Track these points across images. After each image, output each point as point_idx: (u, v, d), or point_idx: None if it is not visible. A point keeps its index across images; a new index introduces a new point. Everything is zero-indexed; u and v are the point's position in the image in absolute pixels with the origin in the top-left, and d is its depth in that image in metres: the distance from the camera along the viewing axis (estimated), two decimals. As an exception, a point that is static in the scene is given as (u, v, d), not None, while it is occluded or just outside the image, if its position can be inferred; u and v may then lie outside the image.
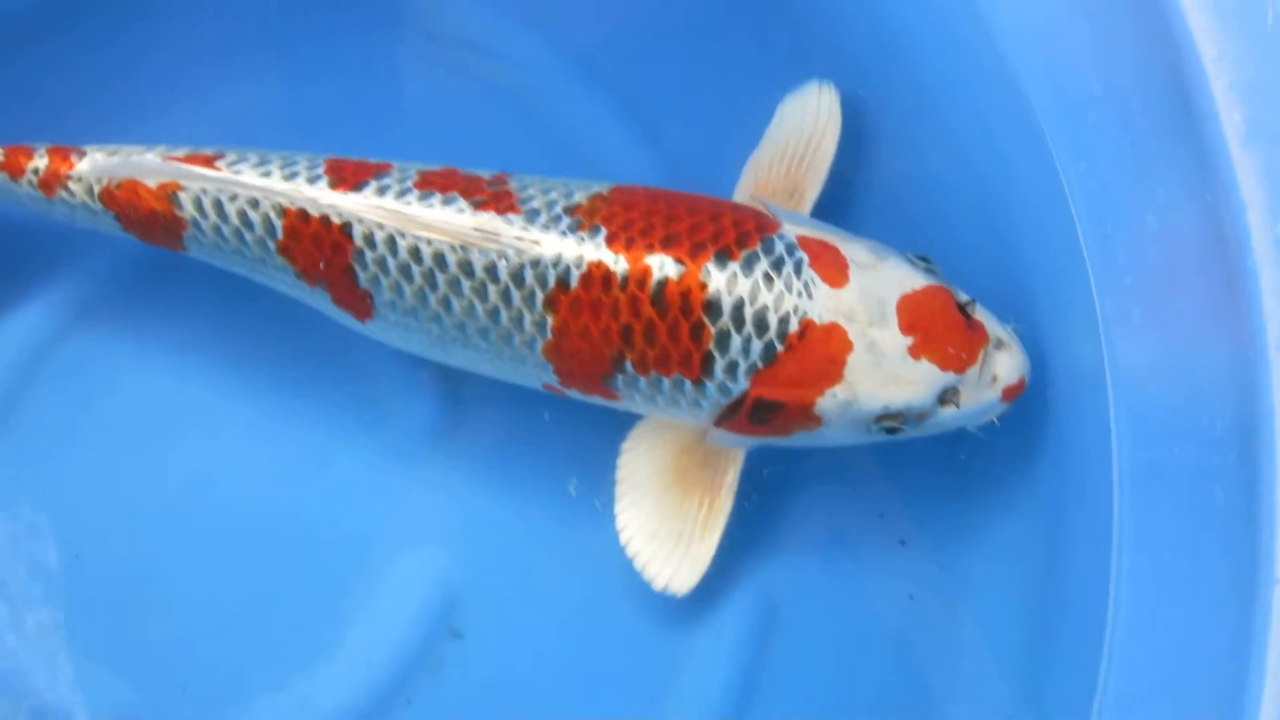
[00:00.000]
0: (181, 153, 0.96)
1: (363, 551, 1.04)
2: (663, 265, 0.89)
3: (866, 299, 0.90)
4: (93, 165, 0.96)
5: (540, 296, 0.90)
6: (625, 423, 0.98)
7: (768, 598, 1.02)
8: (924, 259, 0.93)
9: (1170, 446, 0.89)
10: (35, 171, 0.96)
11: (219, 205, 0.94)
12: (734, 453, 0.97)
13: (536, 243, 0.90)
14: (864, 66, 1.02)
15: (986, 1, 0.96)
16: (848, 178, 1.03)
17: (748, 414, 0.92)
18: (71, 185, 0.96)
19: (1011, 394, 0.92)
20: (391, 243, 0.91)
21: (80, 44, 1.07)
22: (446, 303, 0.92)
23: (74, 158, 0.96)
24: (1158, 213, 0.88)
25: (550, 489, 1.04)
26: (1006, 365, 0.92)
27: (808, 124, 1.01)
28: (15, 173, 0.96)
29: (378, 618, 1.03)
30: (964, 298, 0.93)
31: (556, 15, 1.09)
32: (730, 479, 0.97)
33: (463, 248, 0.90)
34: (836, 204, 1.03)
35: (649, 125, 1.08)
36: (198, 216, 0.94)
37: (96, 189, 0.96)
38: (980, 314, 0.93)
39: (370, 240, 0.91)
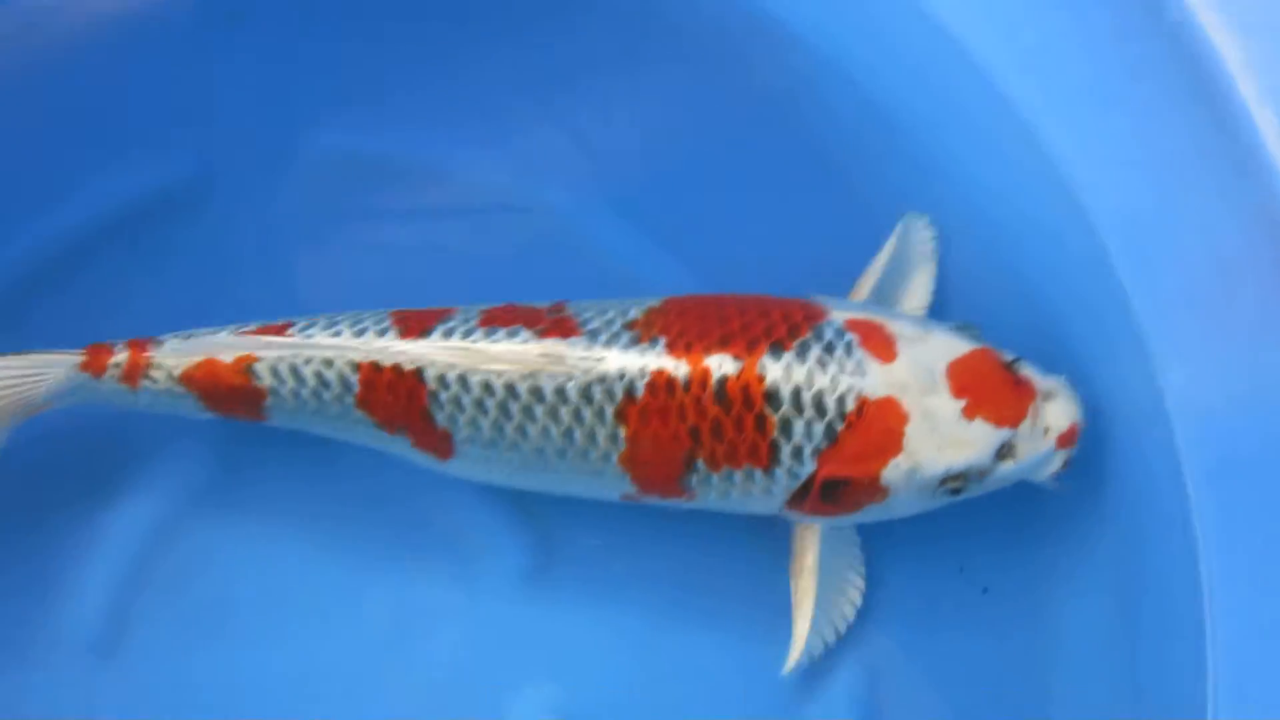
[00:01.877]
0: (253, 327, 1.01)
1: (478, 697, 1.07)
2: (721, 364, 0.94)
3: (916, 369, 0.95)
4: (171, 350, 1.00)
5: (610, 410, 0.95)
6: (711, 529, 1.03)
7: (870, 667, 1.06)
8: (968, 325, 0.99)
9: (1235, 442, 0.94)
10: (117, 366, 1.00)
11: (295, 370, 0.99)
12: (811, 536, 1.02)
13: (600, 360, 0.95)
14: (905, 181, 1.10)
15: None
16: None
17: (818, 494, 0.96)
18: (153, 373, 1.00)
19: (1066, 440, 0.97)
20: (463, 380, 0.96)
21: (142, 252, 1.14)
22: (522, 430, 0.97)
23: (151, 347, 1.01)
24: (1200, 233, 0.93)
25: (646, 604, 1.09)
26: (1057, 414, 0.97)
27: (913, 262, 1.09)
28: (98, 370, 1.00)
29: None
30: (1009, 357, 0.98)
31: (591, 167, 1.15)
32: (810, 562, 1.02)
33: (531, 375, 0.95)
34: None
35: (686, 252, 1.14)
36: (275, 384, 0.99)
37: (176, 373, 1.00)
38: (1026, 369, 0.98)
39: (443, 381, 0.97)
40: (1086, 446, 0.99)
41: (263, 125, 1.15)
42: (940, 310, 1.08)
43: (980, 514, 1.04)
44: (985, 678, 1.06)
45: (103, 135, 1.13)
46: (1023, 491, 1.00)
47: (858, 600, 1.04)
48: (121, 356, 1.00)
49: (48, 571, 1.09)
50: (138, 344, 1.01)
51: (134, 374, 1.00)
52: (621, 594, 1.09)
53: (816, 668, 1.04)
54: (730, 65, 1.13)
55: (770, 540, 1.05)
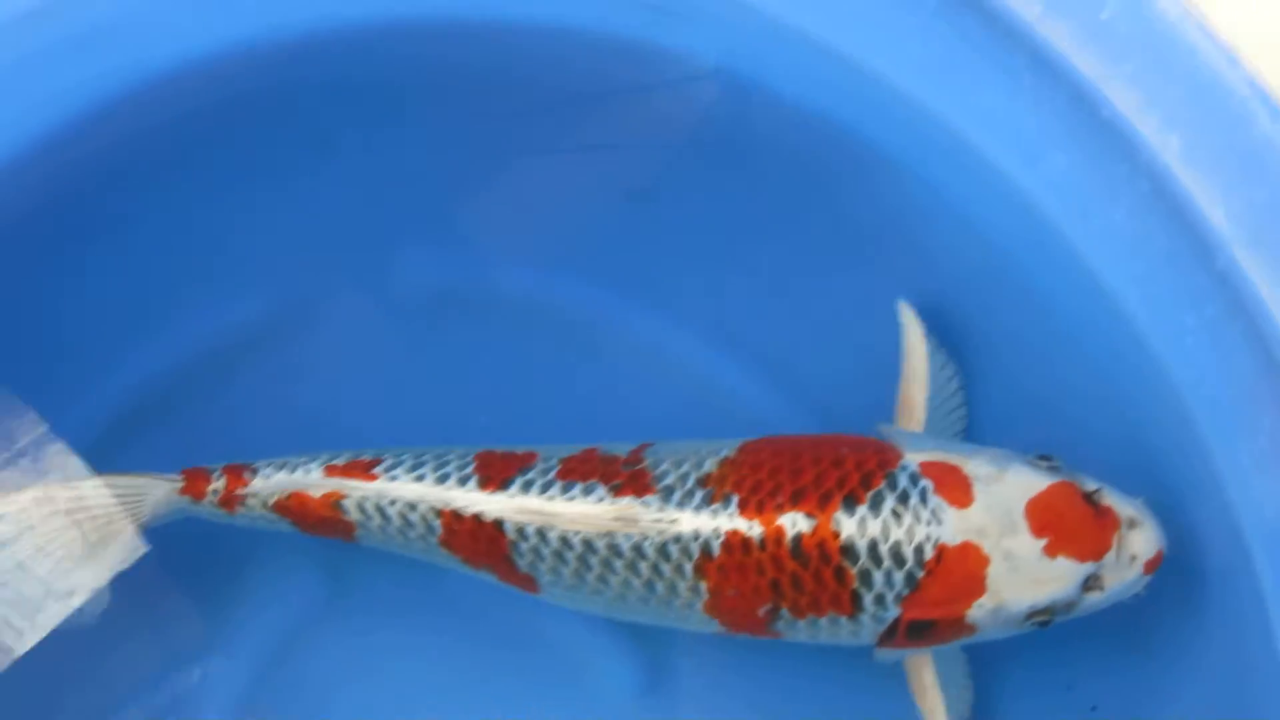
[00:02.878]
0: (343, 461, 1.03)
1: None
2: (795, 522, 0.94)
3: (994, 512, 0.94)
4: (264, 483, 1.04)
5: (688, 567, 0.96)
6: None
7: None
8: (1046, 458, 0.97)
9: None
10: (215, 493, 1.04)
11: (381, 510, 1.01)
12: (922, 656, 1.03)
13: (674, 521, 0.96)
14: (977, 287, 1.06)
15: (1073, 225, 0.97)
16: (975, 391, 1.08)
17: (905, 634, 0.97)
18: (249, 501, 1.04)
19: (1152, 566, 0.96)
20: (542, 534, 0.98)
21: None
22: (603, 579, 0.98)
23: (246, 475, 1.04)
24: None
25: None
26: (1142, 542, 0.95)
27: (904, 346, 1.06)
28: (197, 496, 1.04)
29: None
30: (1091, 486, 0.96)
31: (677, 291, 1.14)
32: (930, 679, 1.03)
33: (608, 534, 0.96)
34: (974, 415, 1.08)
35: (783, 373, 1.14)
36: (363, 519, 1.02)
37: (270, 502, 1.03)
38: (1109, 498, 0.96)
39: (522, 533, 0.98)
40: (1189, 564, 0.98)
41: (351, 256, 1.15)
42: (999, 408, 1.07)
43: (1088, 633, 1.04)
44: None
45: (199, 266, 1.14)
46: (1130, 611, 1.00)
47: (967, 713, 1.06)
48: (219, 484, 1.04)
49: (166, 680, 1.13)
50: (233, 471, 1.04)
51: (230, 501, 1.04)
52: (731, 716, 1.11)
53: None
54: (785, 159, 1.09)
55: (883, 670, 1.05)
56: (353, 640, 1.14)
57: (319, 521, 1.03)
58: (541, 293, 1.15)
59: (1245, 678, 0.99)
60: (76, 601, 1.04)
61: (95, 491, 1.02)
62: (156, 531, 1.06)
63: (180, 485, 1.04)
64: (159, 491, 1.03)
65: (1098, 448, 1.01)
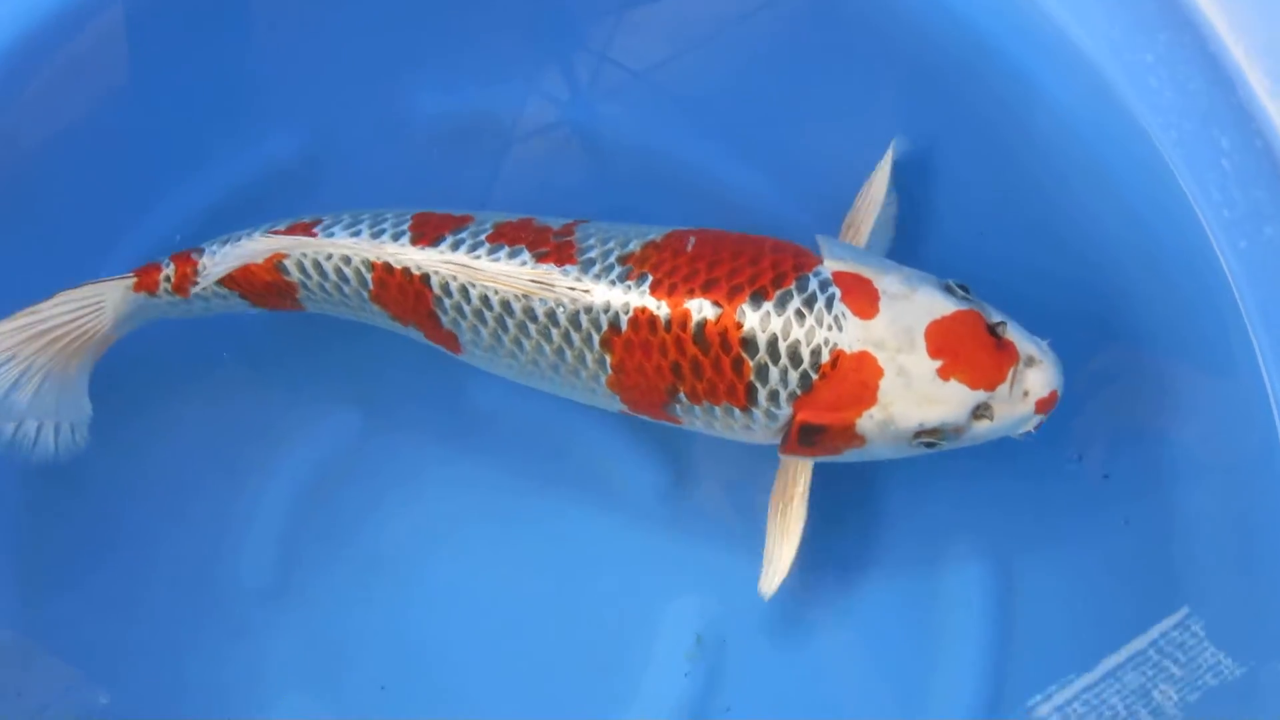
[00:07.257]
0: (284, 226, 1.07)
1: (626, 612, 1.17)
2: (701, 308, 0.97)
3: (895, 327, 0.97)
4: (211, 259, 1.07)
5: (596, 338, 0.99)
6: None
7: (999, 554, 1.14)
8: (961, 285, 1.00)
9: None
10: (168, 279, 1.07)
11: (318, 265, 1.05)
12: (803, 465, 1.06)
13: (588, 291, 0.99)
14: (949, 91, 1.12)
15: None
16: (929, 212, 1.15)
17: (797, 437, 1.00)
18: (200, 281, 1.07)
19: (1044, 406, 0.98)
20: (465, 291, 1.01)
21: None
22: (519, 342, 1.02)
23: (194, 255, 1.07)
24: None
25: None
26: (1037, 380, 0.98)
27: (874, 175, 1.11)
28: (151, 288, 1.07)
29: (653, 673, 1.16)
30: (995, 319, 0.99)
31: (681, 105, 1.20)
32: (801, 489, 1.07)
33: (525, 296, 1.00)
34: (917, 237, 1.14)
35: (759, 159, 1.19)
36: (303, 278, 1.06)
37: (219, 276, 1.07)
38: (1012, 333, 0.99)
39: (447, 289, 1.02)
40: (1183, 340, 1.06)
41: (362, 94, 1.21)
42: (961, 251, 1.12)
43: (1093, 407, 1.10)
44: (1114, 563, 1.11)
45: (225, 114, 1.20)
46: (1128, 382, 1.07)
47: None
48: (169, 270, 1.07)
49: (216, 523, 1.18)
50: (181, 257, 1.08)
51: (184, 284, 1.07)
52: (750, 515, 1.14)
53: (947, 556, 1.12)
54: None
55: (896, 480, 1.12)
56: (388, 468, 1.19)
57: (264, 288, 1.07)
58: (552, 118, 1.22)
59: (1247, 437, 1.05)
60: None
61: (56, 310, 1.05)
62: (197, 375, 1.14)
63: (133, 282, 1.07)
64: (115, 294, 1.07)
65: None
